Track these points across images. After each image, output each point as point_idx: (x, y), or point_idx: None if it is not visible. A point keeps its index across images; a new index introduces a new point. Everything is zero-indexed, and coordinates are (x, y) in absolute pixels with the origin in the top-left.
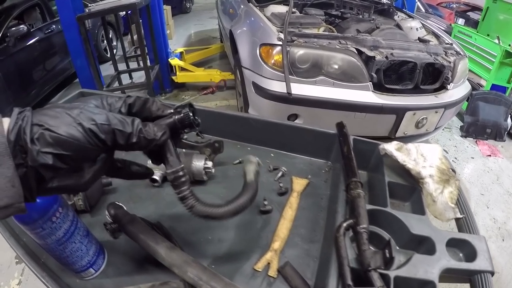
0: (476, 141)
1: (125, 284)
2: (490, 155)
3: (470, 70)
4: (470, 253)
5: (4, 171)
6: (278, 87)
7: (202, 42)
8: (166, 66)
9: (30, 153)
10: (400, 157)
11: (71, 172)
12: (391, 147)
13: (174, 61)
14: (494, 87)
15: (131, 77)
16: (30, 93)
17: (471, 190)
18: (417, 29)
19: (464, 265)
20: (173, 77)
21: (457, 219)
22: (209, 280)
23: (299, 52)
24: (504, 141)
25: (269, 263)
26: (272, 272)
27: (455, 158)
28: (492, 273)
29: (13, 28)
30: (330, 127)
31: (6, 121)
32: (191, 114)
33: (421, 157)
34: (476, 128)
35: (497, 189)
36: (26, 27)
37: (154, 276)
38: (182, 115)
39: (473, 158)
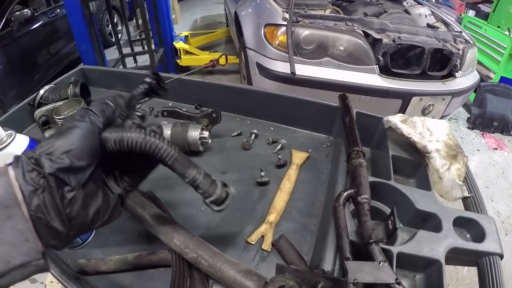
0: (482, 134)
1: (113, 254)
2: (496, 148)
3: (479, 62)
4: (478, 234)
5: (15, 224)
6: (282, 67)
7: (208, 27)
8: (171, 49)
9: (44, 163)
10: (405, 129)
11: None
12: (395, 119)
13: (179, 44)
14: (503, 79)
15: (135, 61)
16: (34, 77)
17: (476, 182)
18: (426, 15)
19: (472, 246)
20: (178, 61)
21: (464, 198)
22: (196, 248)
23: (304, 32)
24: (511, 135)
25: (263, 236)
26: (266, 245)
27: None
28: (502, 256)
29: (17, 13)
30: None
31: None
32: (154, 82)
33: (427, 131)
34: (483, 120)
35: (502, 182)
36: (30, 11)
37: (143, 247)
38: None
39: (479, 150)
